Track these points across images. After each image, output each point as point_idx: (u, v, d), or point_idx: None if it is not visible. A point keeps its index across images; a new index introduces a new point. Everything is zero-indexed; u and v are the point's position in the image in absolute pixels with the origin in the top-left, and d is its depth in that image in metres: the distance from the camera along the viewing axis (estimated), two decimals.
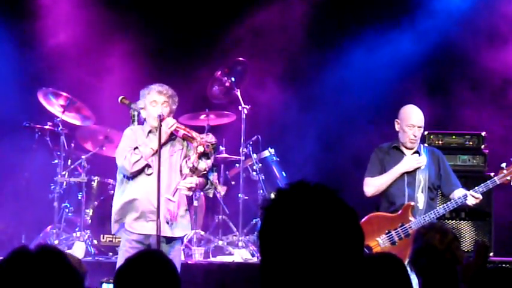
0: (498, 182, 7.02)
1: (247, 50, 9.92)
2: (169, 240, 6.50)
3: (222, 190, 7.12)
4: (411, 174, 7.24)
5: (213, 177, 6.82)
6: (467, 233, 8.59)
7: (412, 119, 7.27)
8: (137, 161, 6.41)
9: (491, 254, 8.26)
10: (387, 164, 7.33)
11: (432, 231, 4.20)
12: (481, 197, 7.04)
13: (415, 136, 7.25)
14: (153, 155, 6.43)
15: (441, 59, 10.06)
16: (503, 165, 7.03)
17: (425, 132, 8.58)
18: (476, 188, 7.03)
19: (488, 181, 7.04)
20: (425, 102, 8.69)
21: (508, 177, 7.00)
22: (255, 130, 9.25)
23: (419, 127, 7.27)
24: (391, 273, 3.41)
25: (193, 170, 6.39)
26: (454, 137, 8.76)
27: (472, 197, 6.99)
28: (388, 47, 9.94)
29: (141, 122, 6.85)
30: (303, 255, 1.98)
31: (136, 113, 6.92)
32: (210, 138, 6.46)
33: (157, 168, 6.31)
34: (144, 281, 3.26)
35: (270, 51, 10.21)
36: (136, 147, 6.47)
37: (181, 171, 6.54)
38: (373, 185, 7.31)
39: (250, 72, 9.40)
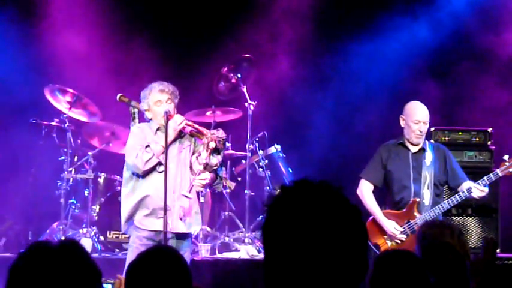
0: (501, 174, 7.02)
1: (254, 45, 9.92)
2: (181, 236, 6.51)
3: (231, 186, 7.12)
4: (417, 170, 7.24)
5: (223, 172, 6.84)
6: (473, 230, 8.58)
7: (417, 115, 7.27)
8: (149, 159, 6.41)
9: (498, 251, 8.25)
10: (391, 163, 7.32)
11: (438, 227, 4.19)
12: (486, 190, 7.03)
13: (421, 132, 7.24)
14: (163, 152, 6.43)
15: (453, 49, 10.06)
16: (506, 157, 7.03)
17: (432, 129, 8.57)
18: (479, 181, 7.02)
19: (490, 174, 7.03)
20: (435, 94, 8.70)
21: (511, 169, 6.99)
22: (261, 126, 9.24)
23: (424, 122, 7.26)
24: (409, 270, 3.39)
25: (206, 166, 6.40)
26: (460, 133, 8.75)
27: (477, 190, 6.98)
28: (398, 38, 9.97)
29: (143, 119, 6.83)
30: (305, 252, 1.99)
31: (136, 110, 6.92)
32: (221, 133, 6.46)
33: (164, 165, 6.32)
34: (156, 276, 3.27)
35: (276, 46, 10.20)
36: (148, 145, 6.48)
37: (191, 167, 6.56)
38: (362, 196, 7.32)
39: (256, 68, 9.39)
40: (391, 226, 7.12)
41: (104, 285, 5.00)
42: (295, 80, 10.36)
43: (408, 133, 7.29)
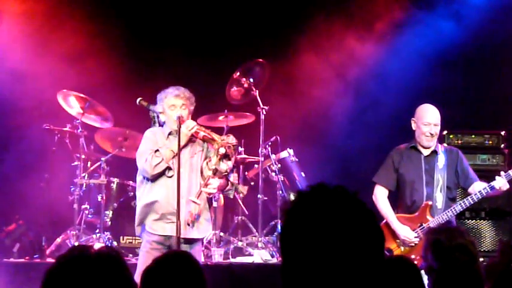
0: None
1: (266, 50, 9.92)
2: (190, 241, 6.52)
3: (243, 190, 7.12)
4: (430, 173, 7.22)
5: (234, 178, 6.84)
6: (487, 233, 8.55)
7: (427, 117, 7.25)
8: (158, 164, 6.43)
9: None
10: (403, 166, 7.31)
11: (446, 231, 4.18)
12: (507, 185, 6.97)
13: (431, 134, 7.22)
14: (173, 157, 6.44)
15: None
16: None
17: (445, 132, 8.57)
18: (503, 174, 6.94)
19: (503, 173, 6.98)
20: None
21: None
22: (273, 131, 9.24)
23: (435, 125, 7.24)
24: (404, 277, 3.38)
25: (215, 172, 6.40)
26: (473, 136, 8.74)
27: (502, 179, 6.91)
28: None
29: (162, 123, 6.86)
30: (323, 257, 1.99)
31: (155, 114, 6.93)
32: (231, 139, 6.46)
33: (177, 170, 6.33)
34: (172, 281, 3.28)
35: (288, 50, 10.20)
36: (158, 150, 6.49)
37: (201, 172, 6.56)
38: (376, 201, 7.32)
39: (268, 73, 9.38)
40: (405, 231, 7.10)
41: None
42: (309, 83, 10.35)
43: (419, 135, 7.28)
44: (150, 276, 3.33)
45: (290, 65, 10.18)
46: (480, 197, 6.99)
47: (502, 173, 6.98)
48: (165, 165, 6.45)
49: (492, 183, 6.94)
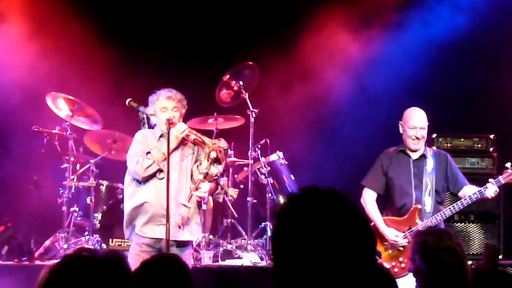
0: (503, 181, 6.98)
1: (256, 52, 9.92)
2: (180, 244, 6.51)
3: (233, 193, 7.11)
4: (418, 177, 7.23)
5: (224, 181, 6.83)
6: (476, 236, 8.58)
7: (413, 121, 7.26)
8: (149, 166, 6.42)
9: (500, 257, 8.25)
10: (392, 170, 7.31)
11: (433, 233, 4.19)
12: (497, 190, 6.99)
13: (417, 137, 7.22)
14: (164, 159, 6.43)
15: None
16: (508, 164, 7.00)
17: (434, 135, 8.59)
18: (493, 181, 6.94)
19: (493, 180, 6.98)
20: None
21: None
22: (263, 134, 9.24)
23: (421, 128, 7.24)
24: (378, 284, 3.37)
25: (206, 176, 6.40)
26: (462, 139, 8.76)
27: (494, 186, 6.92)
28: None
29: (153, 125, 6.86)
30: (315, 260, 2.00)
31: (145, 116, 6.93)
32: (223, 143, 6.47)
33: (166, 172, 6.32)
34: (161, 284, 3.27)
35: (278, 52, 10.20)
36: (149, 152, 6.48)
37: (191, 175, 6.56)
38: (365, 205, 7.32)
39: (258, 76, 9.38)
40: (391, 234, 7.12)
41: None
42: (298, 86, 10.36)
43: (405, 139, 7.29)
44: (138, 279, 3.32)
45: (281, 66, 10.17)
46: (470, 202, 7.00)
47: (492, 180, 6.98)
48: (157, 167, 6.44)
49: (484, 191, 6.93)
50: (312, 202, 2.06)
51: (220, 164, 6.47)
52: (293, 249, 2.02)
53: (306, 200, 2.07)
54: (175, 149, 6.55)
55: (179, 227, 6.47)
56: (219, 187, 6.70)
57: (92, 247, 8.51)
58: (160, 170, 6.47)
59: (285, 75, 10.22)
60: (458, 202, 7.02)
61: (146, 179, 6.48)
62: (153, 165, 6.43)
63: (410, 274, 4.19)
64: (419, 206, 7.10)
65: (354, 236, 2.03)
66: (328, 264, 1.99)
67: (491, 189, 6.94)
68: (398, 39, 9.96)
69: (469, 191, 7.06)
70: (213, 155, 6.37)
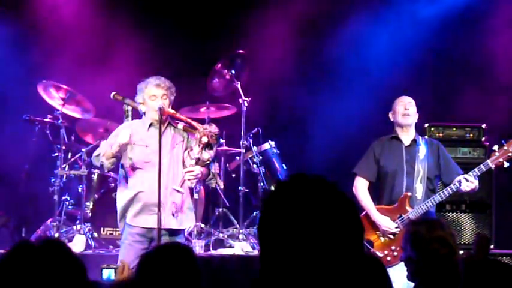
0: (491, 165, 6.96)
1: (248, 41, 9.90)
2: (173, 232, 6.51)
3: (220, 183, 7.12)
4: (410, 164, 7.23)
5: (215, 167, 6.83)
6: (467, 226, 8.59)
7: (401, 98, 7.39)
8: (96, 156, 6.52)
9: (492, 246, 8.26)
10: (384, 157, 7.32)
11: (426, 222, 4.19)
12: (476, 183, 6.98)
13: (407, 109, 7.28)
14: (160, 149, 6.37)
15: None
16: (496, 147, 7.00)
17: (426, 125, 8.60)
18: (470, 172, 6.98)
19: (481, 165, 6.99)
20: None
21: (501, 159, 6.94)
22: (255, 123, 9.23)
23: (409, 102, 7.32)
24: (371, 275, 3.37)
25: (197, 161, 6.40)
26: (454, 129, 8.76)
27: (465, 181, 6.94)
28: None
29: (138, 117, 6.84)
30: (302, 248, 1.99)
31: (130, 108, 6.92)
32: (214, 128, 6.45)
33: (158, 160, 6.30)
34: (171, 272, 3.29)
35: (270, 42, 10.18)
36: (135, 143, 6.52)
37: (183, 162, 6.55)
38: (356, 193, 7.33)
39: (250, 65, 9.37)
40: (386, 222, 7.11)
41: (107, 270, 5.04)
42: (289, 75, 10.36)
43: (396, 118, 7.34)
44: (148, 262, 3.34)
45: (270, 55, 10.16)
46: (459, 187, 6.96)
47: (465, 175, 6.98)
48: (102, 158, 6.46)
49: (461, 183, 6.94)
50: (298, 189, 2.05)
51: (211, 149, 6.46)
52: (279, 236, 2.01)
53: (293, 187, 2.06)
54: (166, 136, 6.54)
55: (173, 214, 6.46)
56: (210, 173, 6.69)
57: (83, 235, 8.51)
58: (147, 162, 6.47)
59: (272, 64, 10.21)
60: (448, 188, 7.01)
61: (134, 169, 6.49)
62: (98, 156, 6.51)
63: (402, 263, 4.19)
64: (409, 193, 7.09)
65: (341, 223, 2.02)
66: (315, 251, 1.98)
67: (464, 184, 6.95)
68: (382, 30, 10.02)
69: (458, 179, 7.06)
70: (205, 140, 6.36)
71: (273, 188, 2.12)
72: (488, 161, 6.98)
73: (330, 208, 2.02)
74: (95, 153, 6.58)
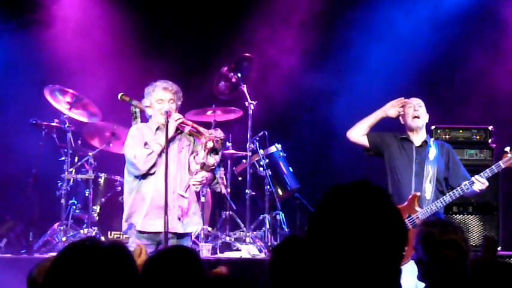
0: (503, 166, 7.00)
1: (255, 44, 9.91)
2: (180, 236, 6.51)
3: (223, 190, 7.12)
4: (420, 164, 7.24)
5: (220, 173, 6.84)
6: (474, 228, 8.57)
7: (410, 100, 7.45)
8: (149, 155, 6.44)
9: (499, 248, 8.24)
10: (394, 154, 7.36)
11: (440, 225, 4.17)
12: (486, 183, 7.01)
13: (416, 111, 7.33)
14: (161, 151, 6.42)
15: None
16: (507, 149, 7.02)
17: (433, 127, 8.58)
18: (481, 173, 7.00)
19: (493, 166, 7.01)
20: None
21: None
22: (261, 126, 9.23)
23: (418, 104, 7.38)
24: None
25: (203, 166, 6.40)
26: (461, 131, 8.74)
27: (478, 182, 6.96)
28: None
29: (146, 119, 6.85)
30: (352, 251, 2.07)
31: (138, 110, 6.93)
32: (219, 133, 6.46)
33: (164, 164, 6.30)
34: (174, 275, 3.29)
35: (277, 46, 10.18)
36: (146, 143, 6.49)
37: (189, 167, 6.56)
38: (355, 126, 7.48)
39: (256, 68, 9.37)
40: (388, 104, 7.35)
41: None
42: (296, 78, 10.35)
43: (405, 121, 7.38)
44: (153, 265, 3.34)
45: (277, 58, 10.17)
46: (470, 187, 6.99)
47: (477, 176, 7.01)
48: (155, 156, 6.43)
49: (473, 183, 6.97)
50: (356, 196, 2.13)
51: (217, 154, 6.47)
52: (332, 237, 2.09)
53: (351, 193, 2.15)
54: (173, 141, 6.55)
55: (179, 218, 6.47)
56: (215, 178, 6.70)
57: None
58: (153, 165, 6.46)
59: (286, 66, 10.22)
60: (458, 188, 7.04)
61: (145, 173, 6.48)
62: (152, 154, 6.43)
63: (412, 261, 4.19)
64: (418, 193, 7.10)
65: (391, 232, 2.11)
66: (363, 256, 2.07)
67: (477, 185, 6.97)
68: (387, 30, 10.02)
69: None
70: (210, 144, 6.37)
71: (331, 189, 2.17)
72: (500, 162, 7.00)
73: (385, 217, 2.12)
74: (144, 153, 6.46)
